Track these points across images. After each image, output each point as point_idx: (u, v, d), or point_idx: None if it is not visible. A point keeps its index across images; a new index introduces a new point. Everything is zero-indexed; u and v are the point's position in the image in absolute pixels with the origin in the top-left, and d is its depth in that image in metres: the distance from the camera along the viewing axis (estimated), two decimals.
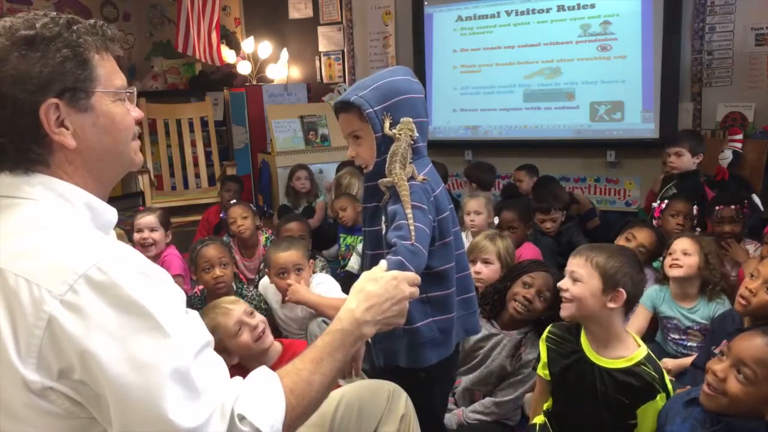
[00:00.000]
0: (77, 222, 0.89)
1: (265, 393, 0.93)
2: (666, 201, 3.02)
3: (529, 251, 2.93)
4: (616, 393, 1.53)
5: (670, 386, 1.55)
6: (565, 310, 1.58)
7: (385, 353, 1.51)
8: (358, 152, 1.45)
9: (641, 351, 1.56)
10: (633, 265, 1.58)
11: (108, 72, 0.94)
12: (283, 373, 0.98)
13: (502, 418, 2.08)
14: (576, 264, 1.57)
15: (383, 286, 1.12)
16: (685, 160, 3.16)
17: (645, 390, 1.51)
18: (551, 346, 1.68)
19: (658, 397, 1.51)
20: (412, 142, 1.39)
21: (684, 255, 2.24)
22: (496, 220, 3.12)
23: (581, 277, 1.54)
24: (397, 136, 1.38)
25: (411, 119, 1.39)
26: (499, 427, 2.08)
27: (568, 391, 1.64)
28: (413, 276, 1.19)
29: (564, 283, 1.58)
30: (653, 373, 1.52)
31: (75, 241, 0.84)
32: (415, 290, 1.18)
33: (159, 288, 0.86)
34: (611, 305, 1.52)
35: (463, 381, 2.16)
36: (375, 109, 1.37)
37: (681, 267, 2.23)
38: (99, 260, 0.81)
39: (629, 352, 1.56)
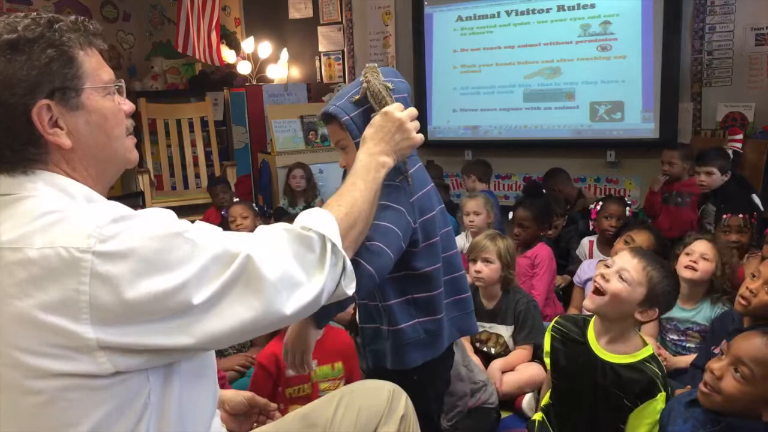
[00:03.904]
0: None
1: (313, 214, 1.04)
2: (600, 203, 3.22)
3: (544, 251, 2.95)
4: (615, 388, 1.54)
5: (670, 388, 1.55)
6: (593, 303, 1.57)
7: (374, 354, 1.50)
8: (347, 162, 1.43)
9: (647, 350, 1.57)
10: (677, 292, 1.62)
11: (94, 67, 0.94)
12: (324, 207, 1.10)
13: (470, 400, 2.08)
14: (631, 266, 1.56)
15: (377, 124, 1.26)
16: (715, 178, 3.22)
17: (646, 386, 1.51)
18: (555, 335, 1.69)
19: (658, 396, 1.51)
20: (388, 86, 1.35)
21: (702, 259, 2.21)
22: (510, 215, 3.13)
23: (630, 279, 1.53)
24: (363, 82, 1.35)
25: (375, 64, 1.37)
26: (481, 414, 2.08)
27: (568, 382, 1.65)
28: (398, 105, 1.29)
29: (607, 274, 1.56)
30: (656, 370, 1.53)
31: (83, 209, 0.87)
32: (410, 111, 1.28)
33: (164, 214, 0.90)
34: (638, 317, 1.55)
35: None
36: (351, 115, 1.36)
37: (696, 271, 2.20)
38: (111, 213, 0.84)
39: (635, 349, 1.57)
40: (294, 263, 0.94)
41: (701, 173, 3.24)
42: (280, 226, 0.99)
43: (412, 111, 1.30)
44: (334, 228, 1.02)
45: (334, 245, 0.99)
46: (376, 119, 1.28)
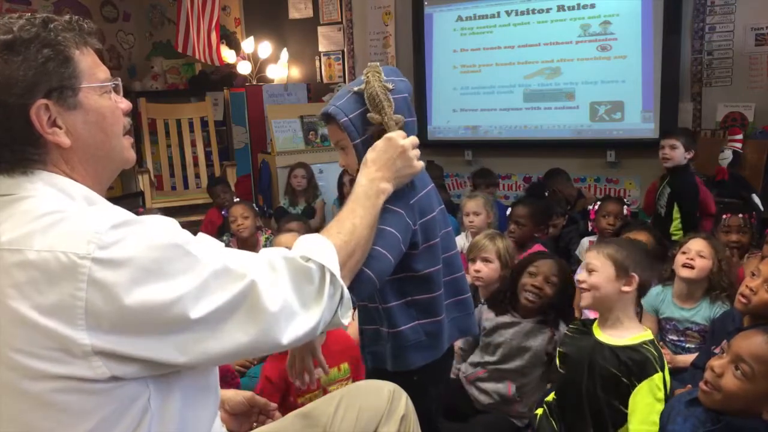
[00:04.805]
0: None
1: (313, 242, 1.05)
2: (599, 203, 3.24)
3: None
4: (613, 367, 1.60)
5: (668, 375, 1.59)
6: (584, 300, 1.71)
7: (374, 356, 1.50)
8: (346, 162, 1.43)
9: (646, 335, 1.65)
10: (641, 252, 1.76)
11: (90, 66, 0.94)
12: (323, 233, 1.11)
13: (506, 407, 2.09)
14: (590, 257, 1.72)
15: (380, 149, 1.27)
16: (678, 153, 3.20)
17: (642, 363, 1.57)
18: (568, 332, 1.82)
19: (655, 376, 1.55)
20: (388, 88, 1.34)
21: (699, 257, 2.22)
22: (508, 211, 3.13)
23: (596, 267, 1.68)
24: (364, 80, 1.33)
25: (378, 63, 1.36)
26: (508, 424, 2.09)
27: (571, 368, 1.71)
28: (401, 133, 1.30)
29: (581, 276, 1.72)
30: (653, 351, 1.59)
31: (84, 213, 0.87)
32: (412, 139, 1.30)
33: (166, 223, 0.90)
34: (626, 289, 1.66)
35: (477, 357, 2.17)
36: (350, 116, 1.35)
37: (693, 269, 2.21)
38: (112, 219, 0.84)
39: (634, 334, 1.65)
40: (293, 295, 0.95)
41: (665, 146, 3.22)
42: (280, 254, 0.99)
43: (414, 140, 1.31)
44: (333, 257, 1.03)
45: (333, 276, 1.00)
46: (379, 144, 1.28)
